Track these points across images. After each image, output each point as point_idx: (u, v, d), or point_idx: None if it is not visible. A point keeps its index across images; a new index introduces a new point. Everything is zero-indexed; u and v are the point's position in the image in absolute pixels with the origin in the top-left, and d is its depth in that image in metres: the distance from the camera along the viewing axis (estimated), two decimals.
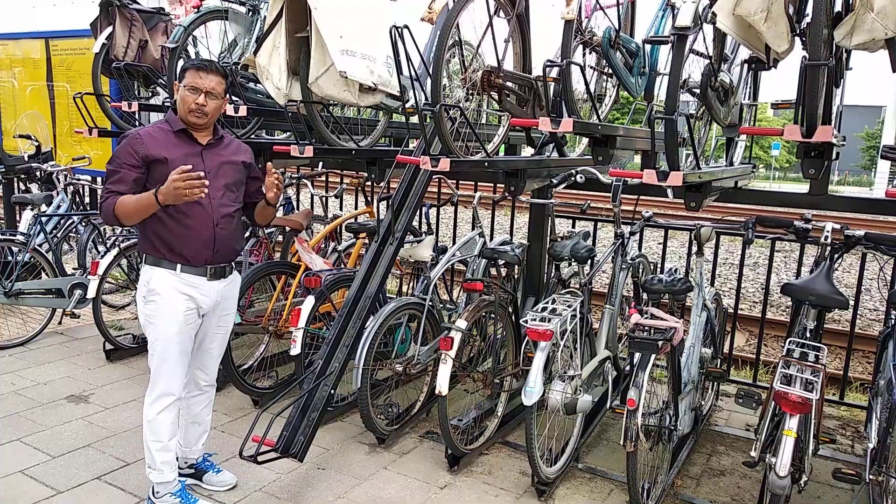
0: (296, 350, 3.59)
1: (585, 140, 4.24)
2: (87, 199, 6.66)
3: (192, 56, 4.54)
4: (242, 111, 3.72)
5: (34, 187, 6.35)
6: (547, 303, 3.21)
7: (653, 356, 2.81)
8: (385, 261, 3.56)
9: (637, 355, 2.83)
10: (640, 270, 4.18)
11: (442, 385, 3.18)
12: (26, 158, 6.24)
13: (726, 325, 4.32)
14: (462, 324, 3.27)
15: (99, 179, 6.95)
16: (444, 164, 2.90)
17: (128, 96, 4.38)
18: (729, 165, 3.78)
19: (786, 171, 47.02)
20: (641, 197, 3.89)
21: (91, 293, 4.49)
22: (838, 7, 2.42)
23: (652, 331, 2.88)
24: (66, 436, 3.57)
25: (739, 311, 5.69)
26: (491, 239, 4.86)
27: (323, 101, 3.57)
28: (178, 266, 2.74)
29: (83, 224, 5.81)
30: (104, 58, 4.34)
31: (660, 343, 2.80)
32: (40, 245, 5.09)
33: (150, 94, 4.66)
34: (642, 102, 3.82)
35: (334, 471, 3.36)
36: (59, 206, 5.79)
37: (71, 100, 6.67)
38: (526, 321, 3.02)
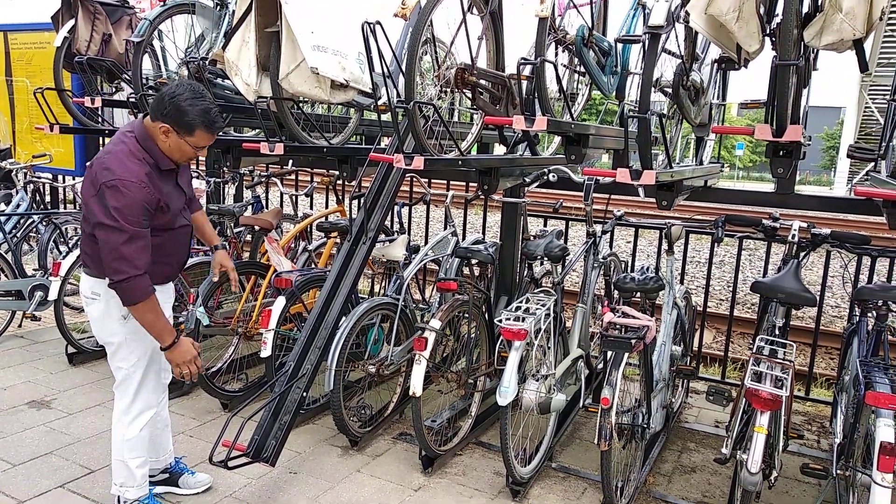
0: (266, 352, 3.52)
1: (557, 139, 4.25)
2: (47, 198, 6.47)
3: (158, 50, 4.44)
4: None
5: None
6: (521, 302, 3.20)
7: (626, 355, 2.82)
8: (358, 261, 3.51)
9: (610, 354, 2.84)
10: (612, 269, 4.21)
11: (416, 386, 3.15)
12: None
13: (695, 323, 4.37)
14: (436, 324, 3.24)
15: (61, 178, 6.76)
16: (418, 162, 2.87)
17: (91, 91, 4.25)
18: (698, 164, 3.82)
19: (749, 171, 48.00)
20: (613, 196, 3.91)
21: (53, 295, 4.35)
22: (807, 8, 2.46)
23: (625, 329, 2.89)
24: (28, 443, 3.45)
25: (707, 309, 5.76)
26: (463, 238, 4.85)
27: (293, 97, 3.51)
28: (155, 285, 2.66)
29: (44, 224, 5.63)
30: (66, 52, 4.21)
31: (633, 342, 2.80)
32: None
33: (115, 89, 4.53)
34: (613, 101, 3.85)
35: (306, 474, 3.31)
36: (18, 206, 5.62)
37: (31, 95, 6.49)
38: (500, 321, 3.01)
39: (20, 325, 5.19)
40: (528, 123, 2.82)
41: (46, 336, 5.04)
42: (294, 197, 5.18)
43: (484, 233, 5.31)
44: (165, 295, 2.81)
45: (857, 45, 2.35)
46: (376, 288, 5.14)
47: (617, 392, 2.73)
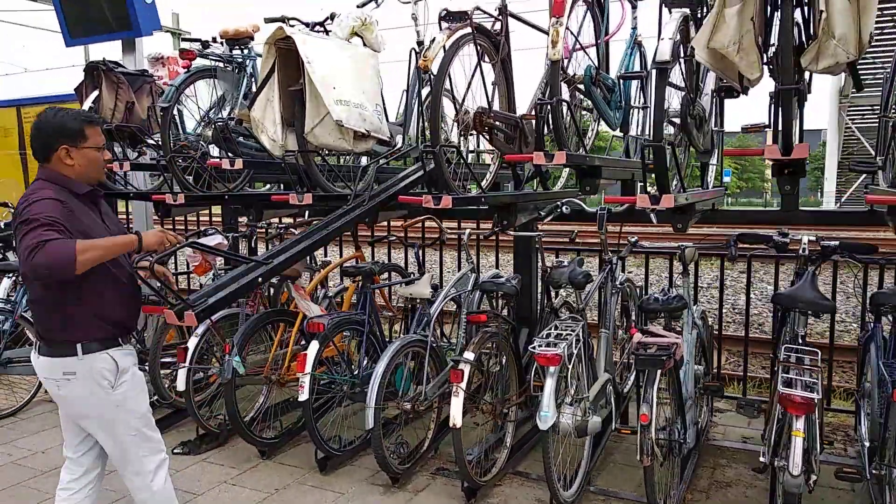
0: (304, 396, 3.60)
1: (566, 173, 4.45)
2: None
3: (176, 114, 4.63)
4: (238, 164, 3.81)
5: (11, 255, 6.25)
6: (550, 329, 3.32)
7: (659, 372, 2.93)
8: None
9: (644, 372, 2.96)
10: (629, 294, 4.35)
11: (456, 417, 3.24)
12: (2, 226, 6.17)
13: (713, 343, 4.49)
14: (470, 356, 3.36)
15: None
16: (447, 201, 3.03)
17: (116, 157, 4.43)
18: (704, 189, 4.00)
19: (737, 197, 48.73)
20: (620, 222, 4.07)
21: None
22: (803, 36, 2.67)
23: (655, 348, 3.01)
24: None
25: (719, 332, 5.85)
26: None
27: (318, 149, 3.69)
28: (121, 339, 2.62)
29: None
30: None
31: (664, 359, 2.92)
32: (25, 312, 5.02)
33: (138, 153, 4.71)
34: (617, 135, 4.06)
35: None
36: None
37: None
38: (534, 348, 3.12)
39: (46, 391, 5.24)
40: (547, 159, 3.00)
41: None
42: None
43: (497, 268, 5.44)
44: (132, 357, 2.68)
45: (851, 67, 2.55)
46: (395, 330, 5.24)
47: (654, 408, 2.84)
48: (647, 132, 4.43)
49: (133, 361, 2.68)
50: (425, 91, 4.47)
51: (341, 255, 5.89)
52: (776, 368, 2.99)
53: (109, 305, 2.56)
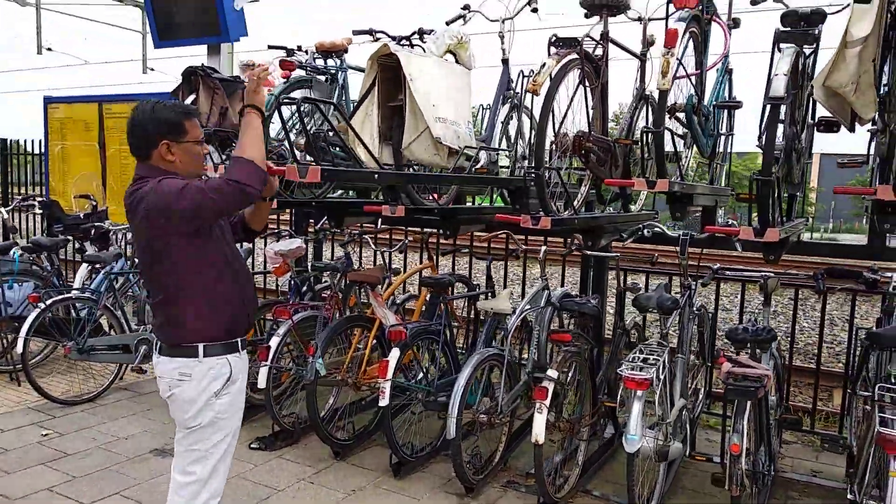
0: (385, 401, 3.70)
1: (643, 196, 4.50)
2: None
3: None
4: None
5: (87, 245, 6.51)
6: (636, 353, 3.36)
7: (749, 403, 2.95)
8: None
9: (734, 402, 2.98)
10: (705, 321, 4.36)
11: (538, 434, 3.30)
12: (82, 217, 6.42)
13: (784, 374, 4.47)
14: (554, 374, 3.41)
15: None
16: (545, 222, 3.10)
17: (210, 159, 4.60)
18: (790, 220, 4.00)
19: None
20: (700, 247, 4.07)
21: None
22: None
23: (744, 378, 3.03)
24: (163, 489, 3.57)
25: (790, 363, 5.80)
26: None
27: (412, 164, 3.79)
28: (239, 342, 2.53)
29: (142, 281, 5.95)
30: None
31: (754, 390, 2.94)
32: (109, 302, 5.23)
33: (226, 157, 4.87)
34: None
35: None
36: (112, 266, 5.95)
37: (122, 160, 6.96)
38: (622, 371, 3.16)
39: (121, 378, 5.44)
40: (649, 186, 3.06)
41: (148, 388, 5.28)
42: (385, 254, 5.43)
43: (562, 286, 5.49)
44: (244, 366, 2.58)
45: None
46: (458, 341, 5.31)
47: (744, 439, 2.86)
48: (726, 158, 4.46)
49: (243, 371, 2.56)
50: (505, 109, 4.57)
51: (405, 268, 5.99)
52: (867, 406, 2.99)
53: (226, 302, 2.48)
